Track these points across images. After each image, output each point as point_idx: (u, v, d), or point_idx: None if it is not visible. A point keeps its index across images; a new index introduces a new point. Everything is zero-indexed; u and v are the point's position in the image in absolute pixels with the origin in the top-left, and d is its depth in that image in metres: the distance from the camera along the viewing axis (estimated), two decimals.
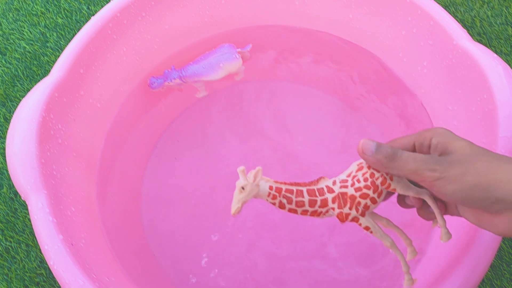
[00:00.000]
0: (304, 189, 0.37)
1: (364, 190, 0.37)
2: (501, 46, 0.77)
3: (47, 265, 0.53)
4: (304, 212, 0.37)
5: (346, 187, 0.37)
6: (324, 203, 0.37)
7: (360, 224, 0.38)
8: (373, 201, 0.37)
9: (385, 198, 0.39)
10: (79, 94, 0.58)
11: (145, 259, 0.61)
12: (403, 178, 0.37)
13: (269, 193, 0.37)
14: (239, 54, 0.65)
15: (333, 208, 0.37)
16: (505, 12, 0.79)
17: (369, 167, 0.37)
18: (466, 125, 0.54)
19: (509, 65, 0.65)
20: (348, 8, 0.64)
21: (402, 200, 0.38)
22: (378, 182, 0.37)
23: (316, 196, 0.37)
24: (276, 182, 0.37)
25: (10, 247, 0.66)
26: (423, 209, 0.38)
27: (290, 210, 0.37)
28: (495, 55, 0.53)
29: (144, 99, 0.68)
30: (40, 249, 0.63)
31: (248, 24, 0.69)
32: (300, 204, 0.37)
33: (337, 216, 0.37)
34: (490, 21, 0.78)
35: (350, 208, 0.37)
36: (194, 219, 0.65)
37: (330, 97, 0.70)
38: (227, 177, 0.67)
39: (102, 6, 0.80)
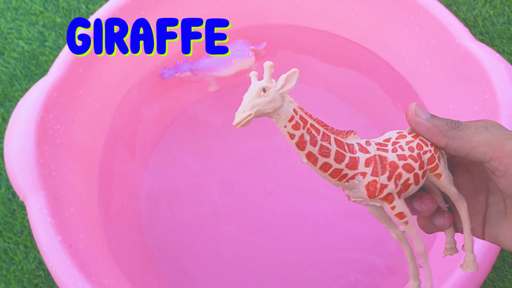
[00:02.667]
0: (332, 136, 0.27)
1: (410, 161, 0.27)
2: (503, 45, 0.76)
3: (46, 266, 0.53)
4: (325, 167, 0.26)
5: (385, 151, 0.28)
6: (354, 163, 0.27)
7: (392, 208, 0.27)
8: (416, 180, 0.28)
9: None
10: (78, 94, 0.57)
11: (144, 261, 0.61)
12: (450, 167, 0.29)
13: (292, 117, 0.26)
14: (252, 52, 0.64)
15: (363, 174, 0.27)
16: (508, 11, 0.78)
17: (415, 137, 0.28)
18: None
19: None
20: (349, 6, 0.63)
21: (408, 202, 0.30)
22: (426, 157, 0.28)
23: (345, 151, 0.27)
24: (300, 108, 0.26)
25: (8, 248, 0.66)
26: (427, 219, 0.30)
27: (309, 156, 0.26)
28: (498, 54, 0.53)
29: (143, 99, 0.68)
30: (38, 251, 0.62)
31: (247, 23, 0.69)
32: (324, 152, 0.26)
33: (367, 187, 0.27)
34: (492, 20, 0.78)
35: (389, 179, 0.27)
36: (193, 219, 0.65)
37: (331, 96, 0.70)
38: (227, 178, 0.67)
39: (101, 5, 0.79)
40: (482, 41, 0.76)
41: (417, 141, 0.28)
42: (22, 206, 0.68)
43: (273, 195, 0.66)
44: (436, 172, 0.28)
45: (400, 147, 0.28)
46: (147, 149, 0.68)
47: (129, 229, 0.62)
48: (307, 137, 0.26)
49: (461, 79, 0.55)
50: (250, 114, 0.25)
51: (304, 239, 0.63)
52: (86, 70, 0.58)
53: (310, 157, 0.26)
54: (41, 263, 0.65)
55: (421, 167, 0.28)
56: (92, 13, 0.82)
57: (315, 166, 0.27)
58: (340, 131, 0.28)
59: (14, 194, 0.69)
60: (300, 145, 0.26)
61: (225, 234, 0.64)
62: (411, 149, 0.28)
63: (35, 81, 0.77)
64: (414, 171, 0.27)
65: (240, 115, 0.25)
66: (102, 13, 0.57)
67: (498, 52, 0.75)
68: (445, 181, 0.29)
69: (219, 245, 0.63)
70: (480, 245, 0.43)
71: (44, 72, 0.78)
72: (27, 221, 0.67)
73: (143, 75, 0.66)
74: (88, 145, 0.59)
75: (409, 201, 0.29)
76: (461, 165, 0.31)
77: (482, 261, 0.43)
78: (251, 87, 0.26)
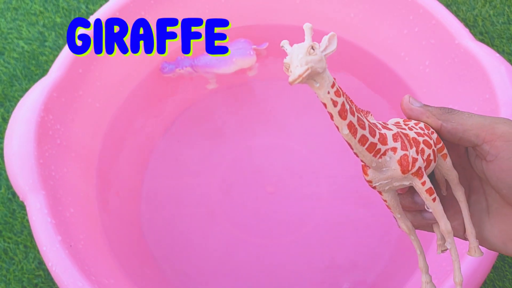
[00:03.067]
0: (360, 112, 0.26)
1: (426, 138, 0.27)
2: (503, 45, 0.76)
3: (46, 266, 0.53)
4: (363, 140, 0.25)
5: (403, 129, 0.28)
6: (383, 139, 0.26)
7: (423, 184, 0.27)
8: (434, 157, 0.28)
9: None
10: (78, 94, 0.57)
11: (144, 260, 0.61)
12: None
13: (334, 83, 0.25)
14: (253, 51, 0.64)
15: (394, 149, 0.26)
16: (507, 11, 0.78)
17: (417, 121, 0.29)
18: None
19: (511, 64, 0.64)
20: (349, 7, 0.63)
21: (409, 195, 0.30)
22: (434, 137, 0.28)
23: (373, 126, 0.26)
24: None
25: (8, 248, 0.66)
26: (414, 213, 0.30)
27: (350, 127, 0.25)
28: (497, 54, 0.53)
29: (143, 99, 0.68)
30: (38, 251, 0.62)
31: (247, 23, 0.69)
32: (361, 123, 0.25)
33: (400, 162, 0.26)
34: (492, 20, 0.78)
35: (417, 153, 0.27)
36: (193, 220, 0.65)
37: None
38: (227, 178, 0.67)
39: (101, 5, 0.79)
40: (482, 41, 0.76)
41: (422, 123, 0.28)
42: (22, 206, 0.68)
43: (273, 195, 0.66)
44: (443, 152, 0.29)
45: (413, 126, 0.28)
46: (147, 149, 0.68)
47: (129, 229, 0.62)
48: (347, 106, 0.25)
49: (461, 79, 0.55)
50: (308, 69, 0.23)
51: (304, 240, 0.63)
52: (86, 70, 0.58)
53: (351, 127, 0.25)
54: (41, 263, 0.65)
55: (434, 144, 0.28)
56: (92, 13, 0.82)
57: (355, 138, 0.25)
58: (362, 109, 0.27)
59: (14, 194, 0.69)
60: (342, 113, 0.25)
61: (225, 234, 0.64)
62: (421, 128, 0.28)
63: (35, 81, 0.77)
64: (432, 148, 0.27)
65: (298, 69, 0.23)
66: (102, 13, 0.57)
67: (498, 52, 0.75)
68: (450, 162, 0.29)
69: (219, 245, 0.63)
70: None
71: (44, 72, 0.78)
72: (27, 221, 0.67)
73: (143, 75, 0.66)
74: (88, 145, 0.59)
75: (411, 194, 0.29)
76: None
77: (482, 261, 0.43)
78: (299, 47, 0.24)
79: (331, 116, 0.25)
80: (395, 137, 0.27)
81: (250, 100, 0.72)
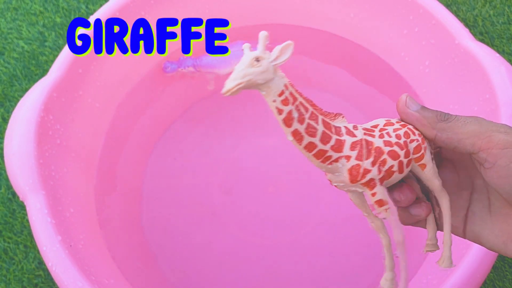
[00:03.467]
0: (320, 117, 0.27)
1: (395, 148, 0.27)
2: (503, 46, 0.76)
3: (46, 266, 0.53)
4: (310, 147, 0.26)
5: (372, 136, 0.28)
6: (339, 146, 0.27)
7: (373, 195, 0.27)
8: (400, 168, 0.27)
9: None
10: (78, 94, 0.57)
11: (144, 261, 0.61)
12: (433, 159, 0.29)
13: (282, 92, 0.25)
14: None
15: (347, 157, 0.27)
16: (507, 12, 0.78)
17: (403, 126, 0.28)
18: None
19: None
20: (349, 7, 0.63)
21: (388, 192, 0.29)
22: (412, 146, 0.28)
23: (332, 132, 0.27)
24: (292, 84, 0.26)
25: (8, 248, 0.66)
26: (403, 209, 0.30)
27: (294, 134, 0.26)
28: (497, 54, 0.53)
29: (143, 99, 0.68)
30: (38, 250, 0.62)
31: (247, 23, 0.69)
32: (311, 131, 0.26)
33: (350, 171, 0.27)
34: (492, 20, 0.78)
35: (373, 164, 0.27)
36: (193, 220, 0.65)
37: (332, 97, 0.70)
38: (227, 178, 0.67)
39: (101, 5, 0.79)
40: (482, 41, 0.76)
41: (404, 129, 0.28)
42: (22, 206, 0.68)
43: (273, 195, 0.66)
44: (421, 162, 0.28)
45: (388, 133, 0.28)
46: (147, 149, 0.68)
47: (129, 229, 0.62)
48: (295, 114, 0.26)
49: (461, 79, 0.55)
50: (240, 83, 0.25)
51: (304, 241, 0.63)
52: (86, 70, 0.57)
53: (296, 135, 0.26)
54: (41, 263, 0.65)
55: (406, 155, 0.27)
56: (92, 13, 0.82)
57: (300, 145, 0.26)
58: (329, 112, 0.28)
59: (14, 194, 0.69)
60: (287, 121, 0.26)
61: (225, 234, 0.64)
62: (398, 136, 0.28)
63: (35, 81, 0.77)
64: (399, 159, 0.27)
65: (231, 83, 0.25)
66: (102, 13, 0.57)
67: (498, 52, 0.75)
68: (429, 172, 0.28)
69: (219, 245, 0.63)
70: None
71: (44, 72, 0.78)
72: (27, 221, 0.67)
73: (143, 75, 0.66)
74: (88, 145, 0.59)
75: (389, 191, 0.29)
76: (447, 160, 0.31)
77: (482, 261, 0.43)
78: (244, 57, 0.25)
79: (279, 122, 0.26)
80: (354, 145, 0.27)
81: (250, 100, 0.72)
